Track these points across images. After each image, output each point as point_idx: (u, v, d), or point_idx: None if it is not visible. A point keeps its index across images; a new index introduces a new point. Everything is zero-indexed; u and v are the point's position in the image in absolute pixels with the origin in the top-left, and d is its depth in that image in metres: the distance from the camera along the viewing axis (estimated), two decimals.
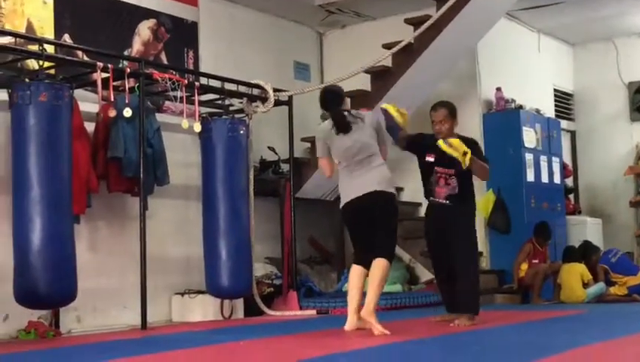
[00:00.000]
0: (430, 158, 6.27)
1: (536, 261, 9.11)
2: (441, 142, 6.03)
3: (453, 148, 5.96)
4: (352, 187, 5.75)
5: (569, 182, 11.36)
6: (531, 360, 4.06)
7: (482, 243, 9.70)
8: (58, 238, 5.89)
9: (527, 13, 10.23)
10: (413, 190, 9.87)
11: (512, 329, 6.18)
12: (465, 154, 5.94)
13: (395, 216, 5.82)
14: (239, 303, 7.78)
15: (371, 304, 5.52)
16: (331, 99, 5.99)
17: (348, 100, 6.29)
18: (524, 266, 9.10)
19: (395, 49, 8.09)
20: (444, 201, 6.25)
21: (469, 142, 6.19)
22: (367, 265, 5.67)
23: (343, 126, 5.80)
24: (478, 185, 9.60)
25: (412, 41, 8.27)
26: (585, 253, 9.33)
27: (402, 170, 9.00)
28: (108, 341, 6.01)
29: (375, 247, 5.67)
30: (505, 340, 5.33)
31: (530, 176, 9.87)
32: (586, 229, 10.58)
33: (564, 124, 11.42)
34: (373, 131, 5.84)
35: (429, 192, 6.36)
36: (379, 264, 5.59)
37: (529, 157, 9.87)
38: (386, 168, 5.80)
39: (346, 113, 5.89)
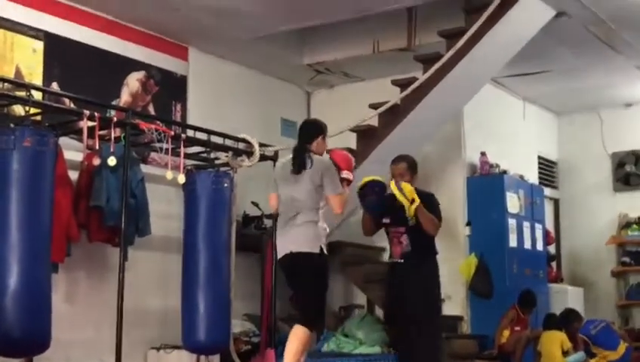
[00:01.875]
0: (386, 220, 6.24)
1: (518, 328, 9.05)
2: (392, 184, 5.96)
3: (403, 192, 5.87)
4: (278, 245, 5.68)
5: (551, 249, 11.37)
6: None
7: (463, 308, 9.68)
8: (35, 285, 5.80)
9: (513, 80, 10.35)
10: None
11: None
12: (412, 202, 5.85)
13: (316, 277, 5.54)
14: (215, 359, 7.66)
15: None
16: (301, 132, 5.87)
17: (322, 140, 5.94)
18: (506, 333, 9.04)
19: (381, 109, 8.17)
20: (398, 260, 6.18)
21: (425, 196, 6.14)
22: None
23: (295, 164, 5.60)
24: (462, 248, 9.74)
25: (398, 102, 8.34)
26: (566, 320, 9.28)
27: None
28: None
29: (298, 311, 5.54)
30: None
31: (513, 242, 9.86)
32: (568, 297, 10.56)
33: (547, 191, 11.48)
34: (313, 185, 5.59)
35: (389, 255, 6.33)
36: (294, 333, 5.35)
37: (512, 222, 9.88)
38: (311, 226, 5.54)
39: (307, 151, 5.68)
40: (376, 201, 6.10)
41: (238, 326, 8.08)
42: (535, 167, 11.56)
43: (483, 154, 10.01)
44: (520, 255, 9.92)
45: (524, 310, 9.13)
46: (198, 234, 7.29)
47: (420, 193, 6.16)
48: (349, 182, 5.82)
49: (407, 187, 5.95)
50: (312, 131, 5.84)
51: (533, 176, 11.22)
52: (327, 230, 5.67)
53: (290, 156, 5.77)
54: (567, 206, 11.95)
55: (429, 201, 6.20)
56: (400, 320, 6.17)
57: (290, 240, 5.52)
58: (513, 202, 9.96)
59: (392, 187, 5.93)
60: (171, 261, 7.82)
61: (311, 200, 5.57)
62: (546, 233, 10.74)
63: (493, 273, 9.50)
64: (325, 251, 5.55)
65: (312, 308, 5.47)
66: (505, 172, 10.08)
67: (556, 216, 11.99)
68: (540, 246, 10.43)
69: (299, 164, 5.59)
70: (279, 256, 5.66)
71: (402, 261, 6.15)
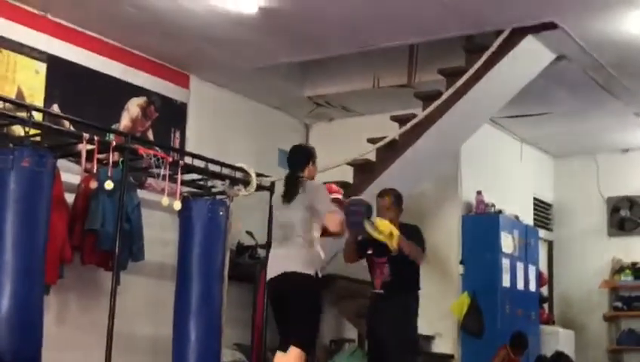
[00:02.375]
0: (369, 251, 6.21)
1: None
2: (366, 223, 5.85)
3: (378, 230, 5.82)
4: (271, 266, 5.61)
5: (544, 290, 11.36)
6: None
7: (454, 346, 9.65)
8: (27, 307, 5.79)
9: (512, 121, 10.41)
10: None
11: None
12: (391, 235, 5.81)
13: (310, 299, 5.46)
14: None
15: None
16: (291, 159, 5.88)
17: (312, 166, 5.98)
18: None
19: (379, 144, 8.21)
20: (379, 291, 6.13)
21: (409, 228, 6.12)
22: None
23: (287, 193, 5.61)
24: (455, 287, 9.73)
25: (397, 138, 8.38)
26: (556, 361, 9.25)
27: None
28: None
29: (290, 334, 5.39)
30: None
31: (506, 282, 9.86)
32: (559, 340, 10.53)
33: (542, 233, 11.49)
34: (306, 210, 5.57)
35: (371, 285, 6.29)
36: (291, 354, 5.25)
37: (506, 262, 9.88)
38: (307, 249, 5.51)
39: (299, 179, 5.68)
40: (361, 221, 6.03)
41: (228, 355, 8.03)
42: (530, 208, 11.58)
43: (479, 193, 10.04)
44: (512, 295, 9.91)
45: (515, 351, 9.09)
46: (191, 261, 7.29)
47: (404, 226, 6.14)
48: (340, 202, 5.84)
49: (382, 223, 5.90)
50: (302, 158, 5.88)
51: (528, 217, 11.24)
52: (323, 257, 5.62)
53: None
54: (561, 248, 11.95)
55: (414, 234, 6.17)
56: (376, 353, 6.10)
57: (283, 261, 5.46)
58: (507, 242, 9.97)
59: (366, 226, 5.86)
60: (164, 287, 7.80)
61: (305, 225, 5.54)
62: (539, 274, 10.74)
63: (485, 312, 9.49)
64: (320, 274, 5.50)
65: (307, 332, 5.39)
66: (500, 212, 10.10)
67: (550, 258, 11.99)
68: (532, 288, 10.42)
69: (290, 193, 5.61)
70: (269, 276, 5.58)
71: (382, 292, 6.10)
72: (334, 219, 5.51)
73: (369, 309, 6.29)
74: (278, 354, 5.40)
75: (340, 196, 5.94)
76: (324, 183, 6.14)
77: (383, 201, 6.31)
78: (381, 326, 6.04)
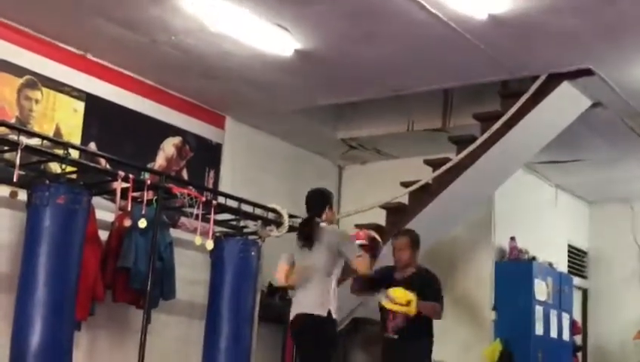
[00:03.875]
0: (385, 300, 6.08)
1: None
2: (383, 301, 5.90)
3: (396, 303, 5.81)
4: (293, 308, 5.73)
5: (578, 339, 11.18)
6: None
7: None
8: (57, 344, 5.82)
9: (546, 167, 10.35)
10: None
11: None
12: (409, 303, 5.78)
13: (323, 340, 5.57)
14: None
15: None
16: (308, 203, 5.94)
17: (329, 210, 6.03)
18: None
19: (412, 187, 8.20)
20: (392, 335, 6.04)
21: (424, 279, 6.04)
22: None
23: (302, 237, 5.73)
24: (487, 333, 9.62)
25: (430, 182, 8.36)
26: None
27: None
28: None
29: None
30: None
31: (539, 330, 9.72)
32: None
33: (576, 280, 11.34)
34: (329, 254, 5.69)
35: (382, 329, 6.19)
36: None
37: (539, 309, 9.76)
38: (319, 291, 5.61)
39: (317, 224, 5.76)
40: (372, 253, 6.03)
41: None
42: (565, 255, 11.45)
43: (513, 238, 9.96)
44: (545, 343, 9.77)
45: None
46: (222, 301, 7.29)
47: (419, 274, 6.08)
48: (365, 247, 5.87)
49: (396, 292, 5.86)
50: (319, 202, 5.93)
51: (562, 264, 11.11)
52: (336, 297, 5.68)
53: None
54: (596, 296, 11.78)
55: (429, 286, 6.06)
56: None
57: (301, 304, 5.60)
58: (541, 289, 9.85)
59: (385, 304, 5.88)
60: (194, 326, 7.79)
61: (325, 268, 5.67)
62: (573, 323, 10.59)
63: (517, 360, 9.36)
64: (334, 315, 5.58)
65: None
66: (534, 258, 10.00)
67: (584, 306, 11.82)
68: (566, 336, 10.26)
69: (305, 237, 5.73)
70: (291, 317, 5.74)
71: (395, 337, 6.03)
72: (362, 262, 5.68)
73: (383, 354, 6.20)
74: None
75: (364, 241, 5.93)
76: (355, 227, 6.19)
77: (397, 243, 6.24)
78: None
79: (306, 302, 5.59)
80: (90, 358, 7.00)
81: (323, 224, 5.83)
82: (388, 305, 5.84)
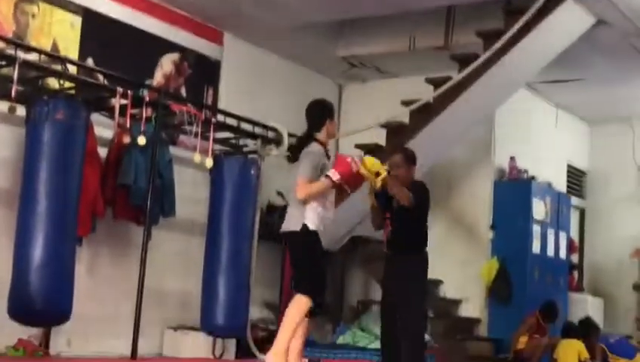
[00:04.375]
0: (387, 215, 5.99)
1: (537, 335, 9.00)
2: (354, 160, 5.45)
3: (366, 167, 5.49)
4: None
5: (574, 258, 11.29)
6: None
7: (481, 310, 9.65)
8: (59, 258, 5.88)
9: (548, 86, 10.28)
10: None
11: None
12: (377, 175, 5.53)
13: (301, 251, 5.35)
14: (231, 344, 7.70)
15: (279, 344, 5.14)
16: (308, 116, 5.56)
17: (330, 123, 5.58)
18: (523, 339, 8.98)
19: (413, 106, 8.15)
20: (386, 250, 6.00)
21: (415, 184, 5.90)
22: None
23: (292, 156, 5.49)
24: (485, 251, 9.70)
25: (431, 101, 8.31)
26: (585, 330, 9.21)
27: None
28: None
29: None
30: None
31: (536, 248, 9.81)
32: (587, 307, 10.47)
33: (574, 200, 11.38)
34: (297, 171, 5.39)
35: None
36: (293, 300, 5.25)
37: (537, 229, 9.82)
38: (293, 209, 5.36)
39: (305, 143, 5.44)
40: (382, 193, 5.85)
41: (256, 313, 8.11)
42: (564, 175, 11.47)
43: (512, 159, 9.96)
44: (542, 262, 9.87)
45: (545, 319, 9.07)
46: (222, 219, 7.34)
47: (412, 185, 5.89)
48: (334, 183, 5.35)
49: (370, 160, 5.56)
50: (319, 114, 5.53)
51: (561, 184, 11.14)
52: (321, 213, 5.35)
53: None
54: (593, 216, 11.85)
55: (416, 187, 5.86)
56: (386, 316, 5.96)
57: (285, 222, 5.42)
58: (539, 209, 9.90)
59: (351, 164, 5.37)
60: (194, 244, 7.87)
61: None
62: (570, 242, 10.67)
63: (513, 278, 9.48)
64: (311, 227, 5.28)
65: (305, 281, 5.28)
66: (533, 178, 10.03)
67: (581, 226, 11.90)
68: (562, 255, 10.36)
69: (294, 155, 5.47)
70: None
71: (388, 251, 5.98)
72: (300, 185, 5.29)
73: (383, 268, 6.11)
74: None
75: (335, 175, 5.31)
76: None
77: (393, 159, 6.06)
78: (389, 287, 5.94)
79: (287, 219, 5.41)
80: (91, 273, 7.09)
81: (313, 144, 5.45)
82: (354, 166, 5.38)
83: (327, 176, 5.32)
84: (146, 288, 6.73)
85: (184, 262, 7.91)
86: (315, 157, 5.38)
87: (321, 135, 5.51)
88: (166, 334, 7.63)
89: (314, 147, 5.45)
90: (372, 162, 5.57)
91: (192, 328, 7.56)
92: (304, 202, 5.30)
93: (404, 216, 5.84)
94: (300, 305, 5.19)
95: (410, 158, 6.10)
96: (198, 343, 7.49)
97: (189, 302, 7.68)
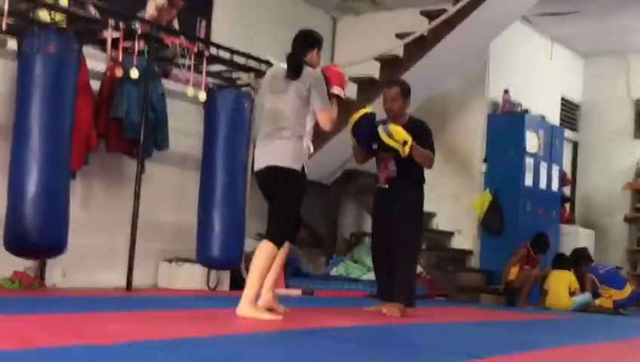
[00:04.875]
0: (375, 145, 5.98)
1: (528, 267, 9.13)
2: (380, 130, 5.73)
3: (393, 137, 5.69)
4: (257, 155, 5.23)
5: (566, 191, 11.38)
6: (507, 354, 4.06)
7: (473, 242, 9.77)
8: (53, 190, 5.90)
9: (543, 19, 10.23)
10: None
11: (491, 325, 6.19)
12: (405, 143, 5.65)
13: (292, 193, 5.10)
14: (225, 276, 7.80)
15: (249, 293, 4.91)
16: (296, 43, 5.32)
17: (316, 53, 5.35)
18: (514, 270, 9.12)
19: (407, 39, 8.13)
20: (384, 185, 6.02)
21: (416, 125, 5.93)
22: None
23: (290, 69, 5.10)
24: (477, 184, 9.78)
25: (425, 34, 8.27)
26: (576, 260, 9.34)
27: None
28: (92, 296, 6.04)
29: (267, 226, 5.18)
30: (472, 336, 5.32)
31: (529, 181, 9.88)
32: (579, 239, 10.60)
33: (567, 133, 11.43)
34: (298, 98, 5.08)
35: (375, 179, 6.16)
36: (260, 247, 5.02)
37: (529, 161, 9.88)
38: (291, 143, 5.05)
39: (303, 63, 5.16)
40: (367, 133, 5.89)
41: (250, 245, 8.16)
42: (557, 108, 11.50)
43: (506, 91, 9.96)
44: (534, 194, 9.96)
45: (536, 251, 9.18)
46: (216, 152, 7.35)
47: (412, 123, 6.01)
48: (339, 98, 5.38)
49: (397, 129, 5.71)
50: (307, 42, 5.32)
51: (554, 117, 11.17)
52: (311, 149, 5.25)
53: (282, 65, 5.27)
54: (586, 149, 11.92)
55: (421, 131, 5.93)
56: (381, 247, 6.05)
57: (271, 153, 5.07)
58: (532, 142, 9.94)
59: (381, 133, 5.69)
60: (187, 177, 7.91)
61: (297, 115, 5.10)
62: (562, 174, 10.74)
63: (505, 210, 9.58)
64: (306, 170, 5.17)
65: (285, 222, 5.11)
66: (526, 111, 10.05)
67: (574, 159, 11.98)
68: (554, 187, 10.44)
69: (294, 67, 5.12)
70: (257, 168, 5.18)
71: (387, 186, 6.01)
72: (327, 118, 5.14)
73: (375, 204, 6.20)
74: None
75: (341, 91, 5.38)
76: (325, 66, 5.66)
77: (389, 92, 6.05)
78: (388, 220, 5.96)
79: (276, 152, 5.05)
80: (85, 206, 7.13)
81: (309, 68, 5.21)
82: (384, 136, 5.69)
83: (336, 95, 5.26)
84: (141, 220, 6.79)
85: (178, 195, 7.96)
86: (324, 84, 5.20)
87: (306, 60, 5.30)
88: (160, 266, 7.72)
89: (316, 73, 5.24)
90: (398, 131, 5.67)
91: (187, 260, 7.64)
92: (299, 137, 5.08)
93: (411, 158, 5.86)
94: (267, 253, 4.99)
95: (406, 92, 6.10)
96: (193, 275, 7.58)
97: (183, 235, 7.75)
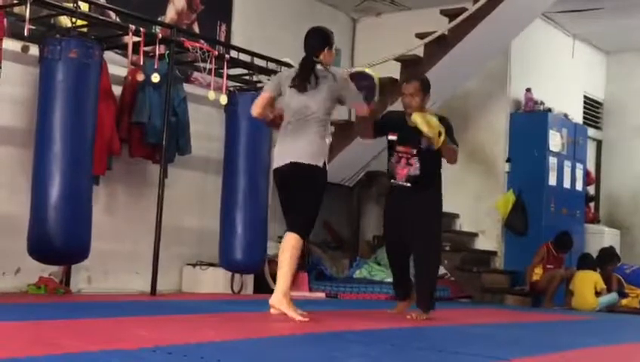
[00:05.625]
0: (392, 136, 5.87)
1: (552, 266, 9.06)
2: (415, 116, 5.52)
3: (430, 126, 5.48)
4: (280, 153, 5.26)
5: (591, 190, 11.27)
6: (533, 355, 4.02)
7: (497, 243, 9.70)
8: (76, 196, 5.90)
9: (564, 16, 10.14)
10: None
11: (516, 326, 6.13)
12: (440, 135, 5.51)
13: (315, 189, 5.15)
14: (249, 279, 7.80)
15: (280, 289, 4.97)
16: (307, 42, 5.32)
17: (328, 51, 5.35)
18: (539, 270, 9.05)
19: (428, 39, 8.07)
20: (404, 183, 5.83)
21: (442, 121, 5.74)
22: None
23: (301, 79, 5.15)
24: (500, 185, 9.71)
25: (446, 33, 8.22)
26: (601, 260, 9.25)
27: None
28: (117, 301, 6.05)
29: (290, 221, 5.22)
30: (506, 336, 5.28)
31: (553, 180, 9.80)
32: (604, 239, 10.50)
33: (591, 131, 11.33)
34: (329, 99, 5.16)
35: (390, 175, 5.97)
36: (286, 240, 5.07)
37: (553, 161, 9.80)
38: (315, 140, 5.11)
39: (318, 66, 5.19)
40: (369, 86, 5.60)
41: (273, 248, 8.14)
42: (580, 106, 11.40)
43: (528, 90, 9.89)
44: (558, 194, 9.87)
45: (558, 250, 9.11)
46: (238, 155, 7.34)
47: (437, 118, 5.77)
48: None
49: (432, 119, 5.55)
50: (319, 41, 5.32)
51: (577, 115, 11.08)
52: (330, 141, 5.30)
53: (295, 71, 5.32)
54: (610, 147, 11.80)
55: (447, 126, 5.74)
56: (399, 249, 5.92)
57: (295, 150, 5.11)
58: (556, 140, 9.86)
59: (417, 120, 5.48)
60: (210, 181, 7.91)
61: (324, 112, 5.16)
62: (586, 173, 10.65)
63: (530, 210, 9.50)
64: (327, 166, 5.20)
65: (308, 218, 5.17)
66: (549, 110, 9.96)
67: (598, 157, 11.87)
68: (579, 186, 10.35)
69: (302, 79, 5.15)
70: (279, 164, 5.22)
71: (409, 184, 5.81)
72: (365, 109, 5.45)
73: (392, 201, 5.99)
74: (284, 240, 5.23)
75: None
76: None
77: (408, 87, 5.88)
78: (408, 220, 5.80)
79: (301, 148, 5.10)
80: (108, 212, 7.14)
81: (320, 67, 5.24)
82: (419, 121, 5.45)
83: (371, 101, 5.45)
84: (164, 225, 6.79)
85: (201, 199, 7.96)
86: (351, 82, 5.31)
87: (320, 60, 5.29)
88: (184, 270, 7.72)
89: (337, 70, 5.34)
90: (434, 122, 5.56)
91: (211, 264, 7.64)
92: (323, 136, 5.15)
93: (434, 155, 5.77)
94: (296, 244, 5.05)
95: (427, 86, 5.95)
96: (217, 279, 7.58)
97: (207, 239, 7.74)
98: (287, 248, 5.04)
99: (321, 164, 5.14)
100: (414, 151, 5.78)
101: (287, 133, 5.23)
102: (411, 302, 6.00)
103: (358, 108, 5.47)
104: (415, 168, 5.81)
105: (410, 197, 5.83)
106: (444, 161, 5.91)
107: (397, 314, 5.96)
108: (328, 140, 5.25)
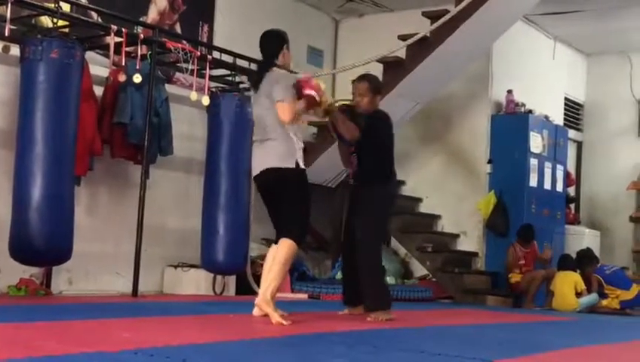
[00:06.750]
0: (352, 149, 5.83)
1: (523, 262, 9.10)
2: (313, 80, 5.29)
3: (314, 88, 5.21)
4: (253, 161, 5.30)
5: (571, 191, 11.35)
6: (514, 357, 4.04)
7: (479, 244, 9.73)
8: (58, 197, 5.88)
9: (545, 18, 10.20)
10: (415, 183, 9.94)
11: (498, 327, 6.16)
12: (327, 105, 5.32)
13: (294, 191, 5.15)
14: (231, 280, 7.78)
15: (268, 291, 4.95)
16: (264, 46, 5.35)
17: (286, 50, 5.37)
18: (517, 275, 9.08)
19: (410, 40, 8.09)
20: (351, 180, 5.88)
21: (370, 116, 5.69)
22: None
23: (252, 84, 5.25)
24: (482, 186, 9.74)
25: (428, 35, 8.25)
26: (581, 263, 9.31)
27: (405, 163, 8.99)
28: (98, 303, 6.02)
29: (279, 227, 5.22)
30: (482, 337, 5.30)
31: (533, 182, 9.85)
32: (584, 240, 10.56)
33: (571, 133, 11.40)
34: (267, 99, 5.12)
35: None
36: (281, 244, 5.05)
37: (534, 162, 9.85)
38: (279, 143, 5.10)
39: (274, 69, 5.19)
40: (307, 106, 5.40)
41: (255, 249, 8.16)
42: (561, 108, 11.46)
43: (510, 92, 9.93)
44: (539, 195, 9.92)
45: (523, 243, 9.16)
46: (220, 157, 7.33)
47: (369, 114, 5.73)
48: (310, 99, 5.18)
49: (320, 84, 5.32)
50: (275, 43, 5.33)
51: (558, 117, 11.13)
52: (301, 144, 5.23)
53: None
54: (590, 149, 11.88)
55: (375, 118, 5.72)
56: (347, 246, 5.82)
57: (263, 157, 5.15)
58: (536, 142, 9.91)
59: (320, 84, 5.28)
60: (192, 182, 7.90)
61: (273, 116, 5.10)
62: (567, 175, 10.71)
63: (511, 211, 9.53)
64: (301, 165, 5.18)
65: (296, 222, 5.13)
66: (530, 111, 10.01)
67: (578, 159, 11.94)
68: (559, 188, 10.41)
69: (253, 85, 5.25)
70: (255, 172, 5.25)
71: (353, 181, 5.83)
72: (285, 109, 5.05)
73: (348, 201, 6.03)
74: (272, 247, 5.25)
75: (314, 93, 5.19)
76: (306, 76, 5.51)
77: (358, 86, 5.81)
78: (352, 217, 5.78)
79: (267, 155, 5.12)
80: (90, 212, 7.12)
81: (276, 69, 5.25)
82: (304, 81, 5.20)
83: (308, 95, 5.17)
84: (146, 226, 6.76)
85: (183, 200, 7.94)
86: (288, 79, 5.21)
87: (278, 63, 5.32)
88: (166, 272, 7.70)
89: (280, 71, 5.28)
90: (320, 85, 5.32)
91: (192, 265, 7.62)
92: (285, 137, 5.11)
93: (368, 150, 5.72)
94: (286, 252, 5.04)
95: (376, 87, 5.89)
96: (199, 280, 7.56)
97: (189, 240, 7.72)
98: (279, 252, 5.03)
99: (293, 165, 5.13)
100: (352, 149, 5.79)
101: (255, 140, 5.30)
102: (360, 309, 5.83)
103: (279, 111, 5.08)
104: (355, 165, 5.83)
105: (354, 195, 5.86)
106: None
107: (344, 316, 5.82)
108: (296, 138, 5.19)
